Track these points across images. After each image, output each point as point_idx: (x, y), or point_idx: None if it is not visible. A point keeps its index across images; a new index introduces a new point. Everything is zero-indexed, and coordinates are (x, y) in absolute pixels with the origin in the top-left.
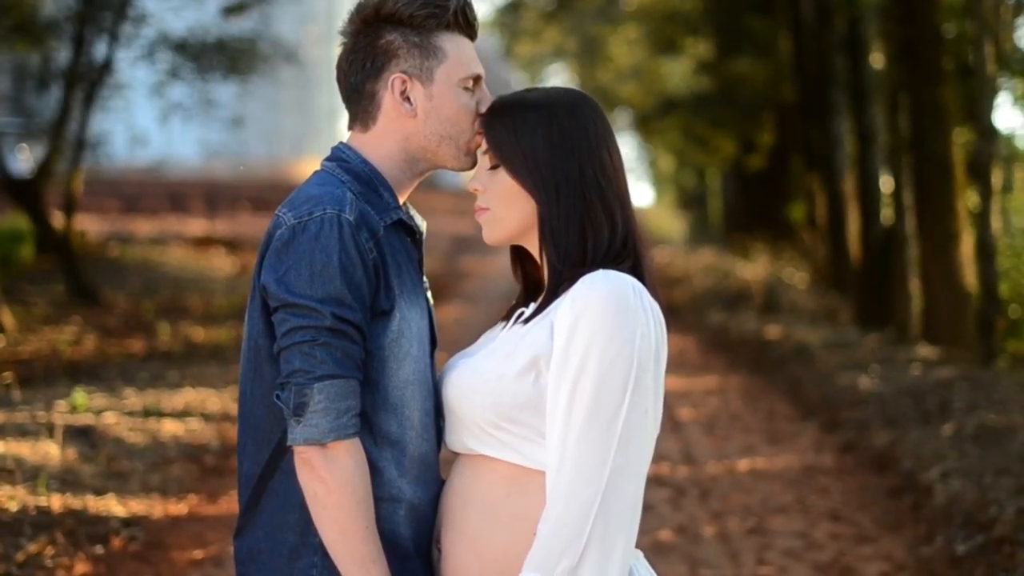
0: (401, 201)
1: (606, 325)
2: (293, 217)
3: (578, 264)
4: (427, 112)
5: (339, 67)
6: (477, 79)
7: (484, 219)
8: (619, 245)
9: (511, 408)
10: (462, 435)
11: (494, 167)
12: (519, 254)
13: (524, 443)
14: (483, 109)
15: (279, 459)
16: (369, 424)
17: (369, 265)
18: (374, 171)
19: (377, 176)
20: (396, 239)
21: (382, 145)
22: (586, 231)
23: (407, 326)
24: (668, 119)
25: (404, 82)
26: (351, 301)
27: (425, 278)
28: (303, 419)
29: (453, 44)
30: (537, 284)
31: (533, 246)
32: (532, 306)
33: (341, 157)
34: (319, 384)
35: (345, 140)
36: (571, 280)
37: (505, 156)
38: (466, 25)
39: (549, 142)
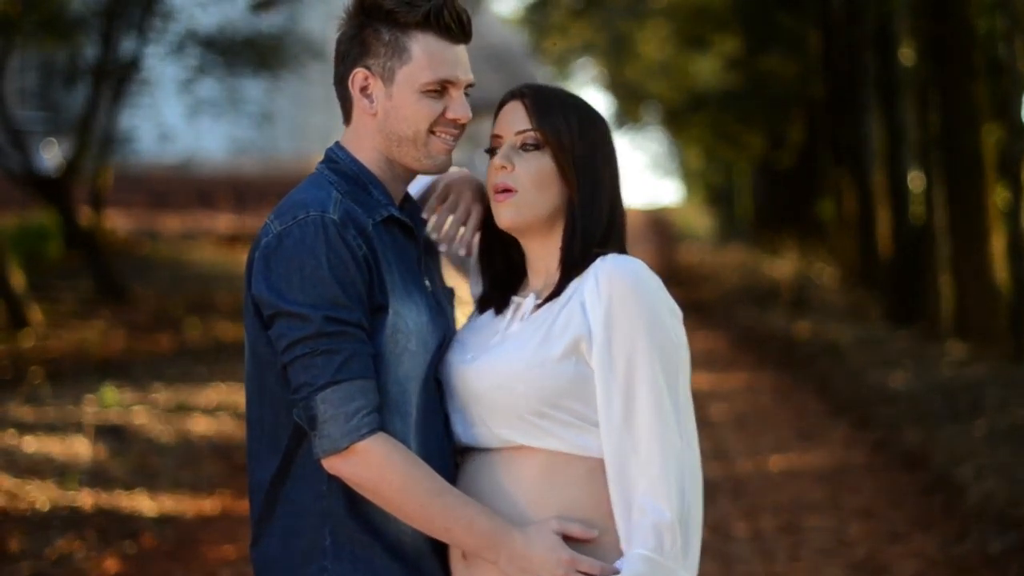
0: (399, 198)
1: (646, 306)
2: (279, 224)
3: (595, 247)
4: (386, 111)
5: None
6: (445, 85)
7: (510, 201)
8: (620, 233)
9: (554, 393)
10: (496, 427)
11: (532, 149)
12: (499, 243)
13: (565, 429)
14: (454, 115)
15: (290, 465)
16: None
17: (360, 261)
18: (363, 169)
19: (366, 174)
20: (388, 236)
21: (362, 143)
22: (612, 221)
23: (402, 322)
24: (697, 115)
25: (366, 78)
26: (346, 301)
27: (451, 280)
28: (317, 431)
29: (424, 46)
30: (506, 273)
31: (535, 235)
32: (530, 295)
33: (331, 158)
34: (321, 394)
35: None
36: (584, 260)
37: (562, 145)
38: (442, 28)
39: (597, 139)
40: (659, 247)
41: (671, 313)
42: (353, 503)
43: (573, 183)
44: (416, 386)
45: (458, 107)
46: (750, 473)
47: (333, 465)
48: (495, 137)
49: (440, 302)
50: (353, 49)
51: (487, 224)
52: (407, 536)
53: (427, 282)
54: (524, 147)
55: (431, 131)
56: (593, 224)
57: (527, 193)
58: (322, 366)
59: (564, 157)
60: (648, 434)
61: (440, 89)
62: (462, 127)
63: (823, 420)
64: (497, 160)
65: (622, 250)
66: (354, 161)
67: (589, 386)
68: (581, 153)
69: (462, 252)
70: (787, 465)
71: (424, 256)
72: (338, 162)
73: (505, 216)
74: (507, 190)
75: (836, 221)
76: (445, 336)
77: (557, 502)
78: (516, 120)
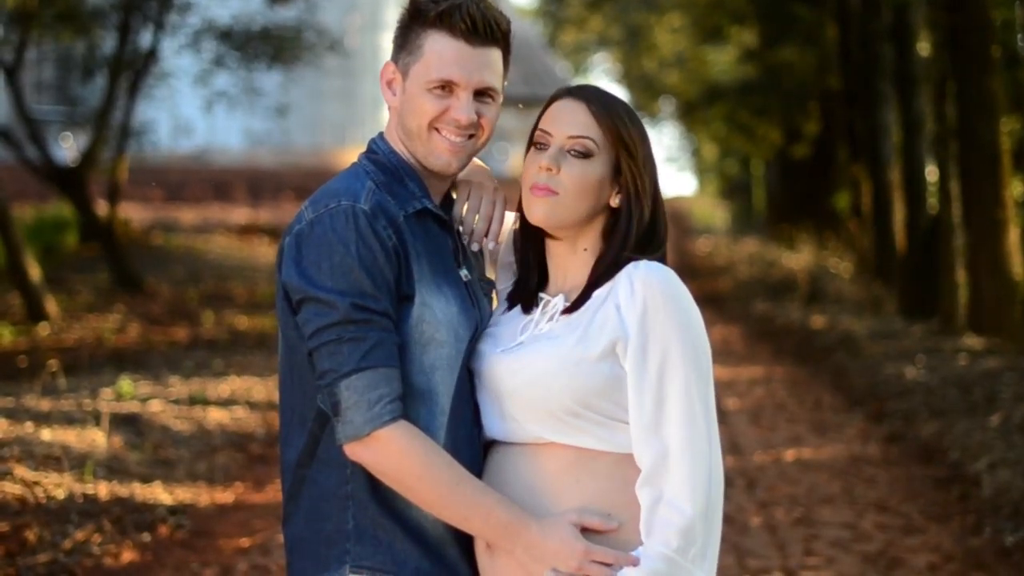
0: (439, 191)
1: (679, 313)
2: (312, 212)
3: (635, 252)
4: (402, 105)
5: None
6: (449, 84)
7: (550, 202)
8: (660, 242)
9: (589, 393)
10: (527, 423)
11: (580, 156)
12: (530, 240)
13: (597, 427)
14: (455, 114)
15: (315, 447)
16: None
17: (390, 251)
18: (400, 161)
19: (403, 166)
20: (421, 228)
21: (392, 135)
22: (655, 227)
23: (429, 312)
24: (713, 108)
25: (393, 72)
26: (373, 290)
27: (493, 273)
28: (340, 418)
29: (435, 45)
30: (536, 270)
31: (564, 237)
32: (559, 295)
33: (372, 148)
34: (345, 381)
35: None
36: (618, 265)
37: (632, 155)
38: (453, 28)
39: (647, 147)
40: (675, 239)
41: (698, 321)
42: (376, 488)
43: (625, 190)
44: (445, 376)
45: (460, 108)
46: (765, 465)
47: (355, 451)
48: (544, 133)
49: (475, 294)
50: (394, 43)
51: (522, 220)
52: (429, 522)
53: (464, 273)
54: (572, 152)
55: (435, 128)
56: (637, 232)
57: (567, 197)
58: (348, 353)
59: (625, 163)
60: (678, 437)
61: (444, 88)
62: (469, 129)
63: (838, 413)
64: (544, 161)
65: (663, 255)
66: (393, 153)
67: (622, 387)
68: (640, 160)
69: (491, 245)
70: (802, 457)
71: (463, 248)
72: (377, 153)
73: (538, 212)
74: (549, 190)
75: (852, 214)
76: (478, 327)
77: (580, 495)
78: (573, 123)
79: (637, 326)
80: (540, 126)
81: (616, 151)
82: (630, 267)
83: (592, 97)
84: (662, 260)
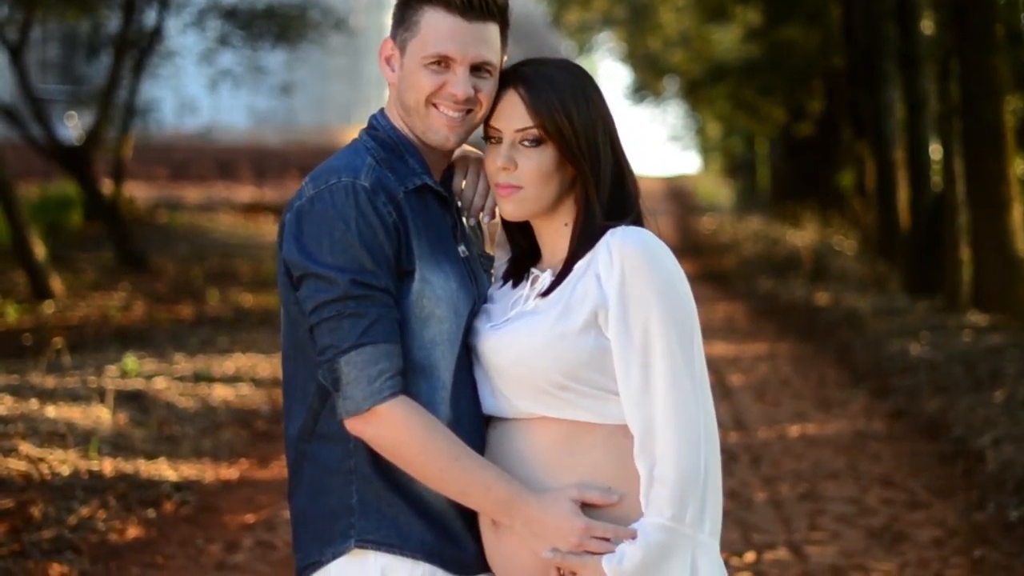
0: (438, 168)
1: (658, 275)
2: (312, 188)
3: (609, 220)
4: (400, 81)
5: None
6: (445, 60)
7: (516, 198)
8: (632, 203)
9: (575, 366)
10: (516, 399)
11: (532, 145)
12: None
13: (587, 399)
14: (452, 89)
15: (315, 422)
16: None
17: (390, 227)
18: (401, 137)
19: (404, 142)
20: (420, 204)
21: (392, 111)
22: (622, 191)
23: (429, 288)
24: (717, 86)
25: (391, 48)
26: (373, 266)
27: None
28: (340, 393)
29: (431, 20)
30: (528, 246)
31: (542, 217)
32: (547, 270)
33: (372, 125)
34: (345, 357)
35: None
36: (595, 235)
37: (564, 139)
38: (449, 3)
39: (594, 115)
40: (679, 217)
41: (681, 280)
42: (379, 463)
43: (579, 169)
44: (446, 351)
45: (457, 83)
46: (770, 441)
47: (355, 426)
48: (494, 129)
49: (474, 270)
50: (392, 20)
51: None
52: (433, 496)
53: (462, 249)
54: (524, 143)
55: (432, 104)
56: (602, 201)
57: (531, 188)
58: (347, 329)
59: (566, 150)
60: (663, 402)
61: (440, 63)
62: (466, 104)
63: (843, 389)
64: (500, 161)
65: (638, 217)
66: (393, 129)
67: (608, 358)
68: (583, 139)
69: (486, 219)
70: (807, 433)
71: (461, 225)
72: (378, 129)
73: (508, 209)
74: (512, 187)
75: (856, 191)
76: (476, 303)
77: (576, 469)
78: (515, 116)
79: (617, 293)
80: (489, 122)
81: (548, 139)
82: (607, 235)
83: (522, 82)
84: (638, 222)
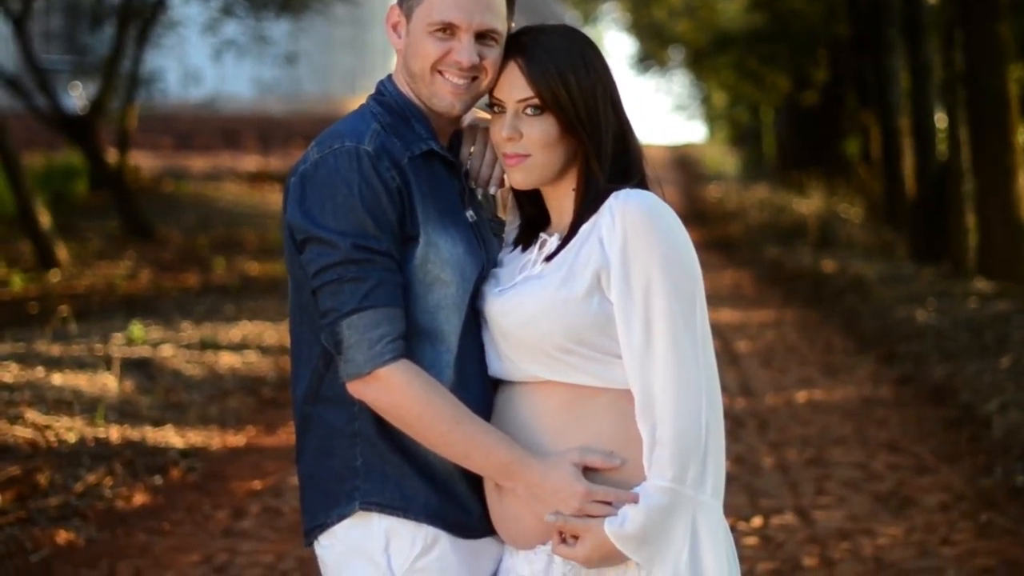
0: (445, 133)
1: (660, 237)
2: (317, 152)
3: (613, 183)
4: (406, 47)
5: None
6: (450, 27)
7: (524, 166)
8: (636, 167)
9: (579, 329)
10: (522, 363)
11: (535, 113)
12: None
13: (591, 363)
14: (457, 56)
15: (318, 385)
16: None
17: (393, 192)
18: (408, 103)
19: (410, 108)
20: (426, 169)
21: (401, 77)
22: (625, 156)
23: (434, 252)
24: (722, 56)
25: (398, 15)
26: (375, 230)
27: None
28: (342, 357)
29: None
30: (536, 211)
31: (550, 184)
32: (555, 234)
33: (379, 90)
34: (347, 320)
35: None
36: (598, 199)
37: (562, 108)
38: None
39: (594, 81)
40: (685, 186)
41: (684, 242)
42: (383, 425)
43: (578, 137)
44: (451, 315)
45: (462, 50)
46: (777, 407)
47: (357, 389)
48: (496, 99)
49: (483, 234)
50: None
51: None
52: (438, 459)
53: (470, 214)
54: (527, 112)
55: (438, 71)
56: (605, 166)
57: (538, 156)
58: (349, 293)
59: (565, 119)
60: (664, 363)
61: (446, 30)
62: (471, 71)
63: (849, 355)
64: (505, 132)
65: (642, 180)
66: (400, 95)
67: (612, 321)
68: (582, 107)
69: (493, 190)
70: (813, 399)
71: (469, 189)
72: (385, 95)
73: (517, 178)
74: (519, 156)
75: (861, 160)
76: (484, 267)
77: (580, 433)
78: (516, 86)
79: (619, 255)
80: (493, 92)
81: (548, 109)
82: (611, 198)
83: (521, 52)
84: (642, 185)
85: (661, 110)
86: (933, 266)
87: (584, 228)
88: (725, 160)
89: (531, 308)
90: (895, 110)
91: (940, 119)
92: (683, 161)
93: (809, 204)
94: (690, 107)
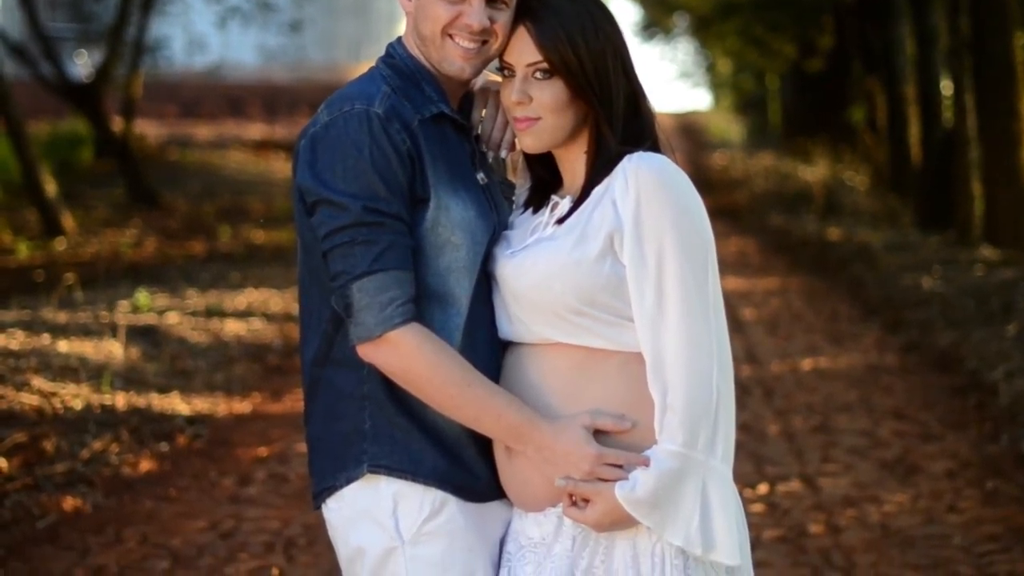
0: (456, 96)
1: (673, 200)
2: (327, 115)
3: (625, 146)
4: (416, 11)
5: None
6: None
7: (534, 130)
8: (649, 130)
9: (591, 291)
10: (535, 324)
11: (545, 77)
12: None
13: (603, 326)
14: (467, 19)
15: (328, 348)
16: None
17: (404, 155)
18: (418, 66)
19: (420, 70)
20: (437, 132)
21: (411, 39)
22: (636, 119)
23: (444, 215)
24: (727, 22)
25: None
26: (386, 193)
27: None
28: (352, 319)
29: None
30: (548, 174)
31: (562, 147)
32: (567, 196)
33: (389, 53)
34: (357, 283)
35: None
36: (611, 162)
37: (571, 72)
38: None
39: (605, 45)
40: (690, 153)
41: (696, 205)
42: (392, 389)
43: (588, 101)
44: (462, 278)
45: (472, 14)
46: (782, 374)
47: (367, 352)
48: (506, 63)
49: (494, 197)
50: None
51: None
52: (446, 422)
53: (481, 177)
54: (536, 76)
55: (448, 34)
56: (616, 129)
57: (548, 119)
58: (359, 255)
59: (574, 83)
60: (676, 327)
61: None
62: (481, 35)
63: (855, 323)
64: (515, 96)
65: (654, 143)
66: (409, 57)
67: (624, 283)
68: (592, 70)
69: (504, 154)
70: (819, 367)
71: (480, 152)
72: (395, 57)
73: (528, 142)
74: (529, 120)
75: (867, 127)
76: (496, 230)
77: (591, 395)
78: (524, 50)
79: (632, 218)
80: (503, 56)
81: (557, 73)
82: (624, 161)
83: (530, 16)
84: (655, 148)
85: (666, 77)
86: (939, 233)
87: (597, 190)
88: (730, 128)
89: (543, 269)
90: (901, 77)
91: (946, 86)
92: (688, 129)
93: (814, 172)
94: (695, 74)
